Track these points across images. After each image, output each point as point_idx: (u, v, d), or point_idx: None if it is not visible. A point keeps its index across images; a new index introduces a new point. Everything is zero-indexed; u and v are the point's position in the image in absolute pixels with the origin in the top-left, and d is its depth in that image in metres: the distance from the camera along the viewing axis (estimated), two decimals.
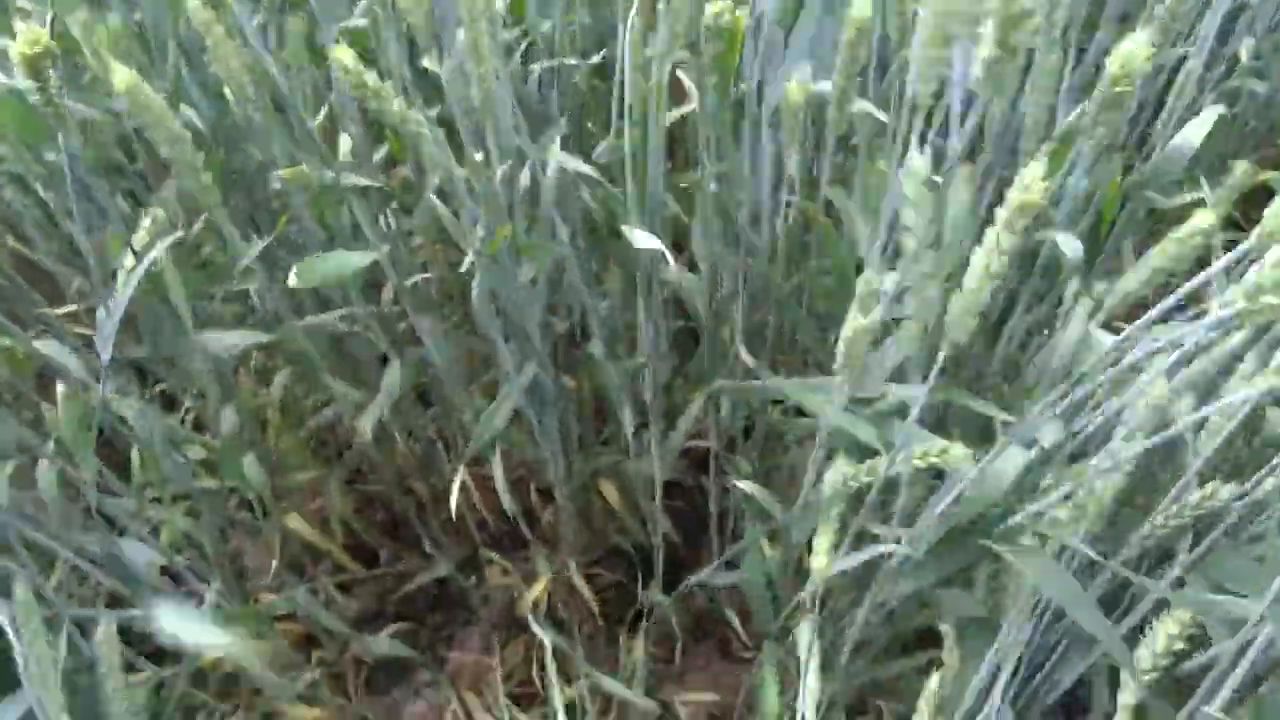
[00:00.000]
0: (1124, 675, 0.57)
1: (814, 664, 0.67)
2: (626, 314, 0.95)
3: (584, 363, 1.14)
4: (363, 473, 1.32)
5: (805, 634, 0.68)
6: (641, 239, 0.70)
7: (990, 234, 0.47)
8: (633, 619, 1.19)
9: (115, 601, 0.92)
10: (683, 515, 1.24)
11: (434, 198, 0.81)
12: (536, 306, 0.81)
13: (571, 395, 1.09)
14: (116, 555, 0.74)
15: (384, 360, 1.09)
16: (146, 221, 0.70)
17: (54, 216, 1.11)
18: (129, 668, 0.93)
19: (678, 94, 0.99)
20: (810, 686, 0.67)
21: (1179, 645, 0.57)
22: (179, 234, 0.68)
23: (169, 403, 1.28)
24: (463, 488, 1.05)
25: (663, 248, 0.69)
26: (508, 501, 0.93)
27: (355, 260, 0.75)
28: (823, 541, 0.65)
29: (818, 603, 0.69)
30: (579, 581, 1.11)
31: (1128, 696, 0.57)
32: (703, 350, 0.96)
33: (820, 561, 0.65)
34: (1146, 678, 0.57)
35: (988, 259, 0.47)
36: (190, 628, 0.57)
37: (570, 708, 1.08)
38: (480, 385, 1.08)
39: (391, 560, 1.27)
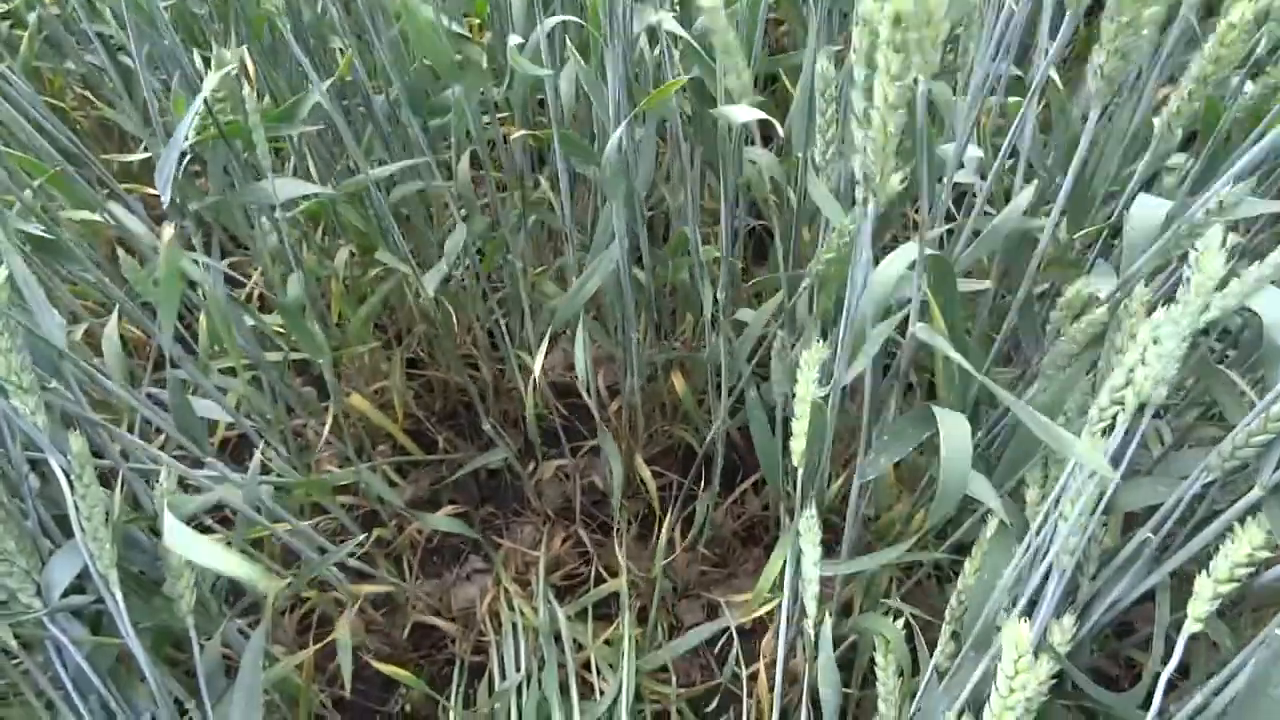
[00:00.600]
0: (1199, 584, 0.54)
1: (812, 549, 0.65)
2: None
3: (663, 259, 1.13)
4: (422, 361, 1.34)
5: (803, 520, 0.66)
6: (739, 112, 0.67)
7: None
8: (685, 519, 1.19)
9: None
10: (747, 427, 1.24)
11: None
12: (644, 167, 0.79)
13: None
14: (184, 410, 0.75)
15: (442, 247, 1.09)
16: (215, 58, 0.69)
17: (131, 80, 1.12)
18: (200, 530, 0.96)
19: None
20: (809, 575, 0.65)
21: (1262, 554, 0.54)
22: (238, 65, 0.66)
23: (234, 284, 1.30)
24: (519, 383, 1.05)
25: (762, 115, 0.67)
26: (584, 373, 0.92)
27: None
28: (799, 424, 0.63)
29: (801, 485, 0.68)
30: (644, 472, 1.10)
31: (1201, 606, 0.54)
32: (777, 244, 0.93)
33: (798, 444, 0.63)
34: (1223, 588, 0.55)
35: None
36: (204, 553, 0.56)
37: (612, 600, 1.09)
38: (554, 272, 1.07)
39: (448, 449, 1.29)
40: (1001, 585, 0.60)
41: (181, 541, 0.55)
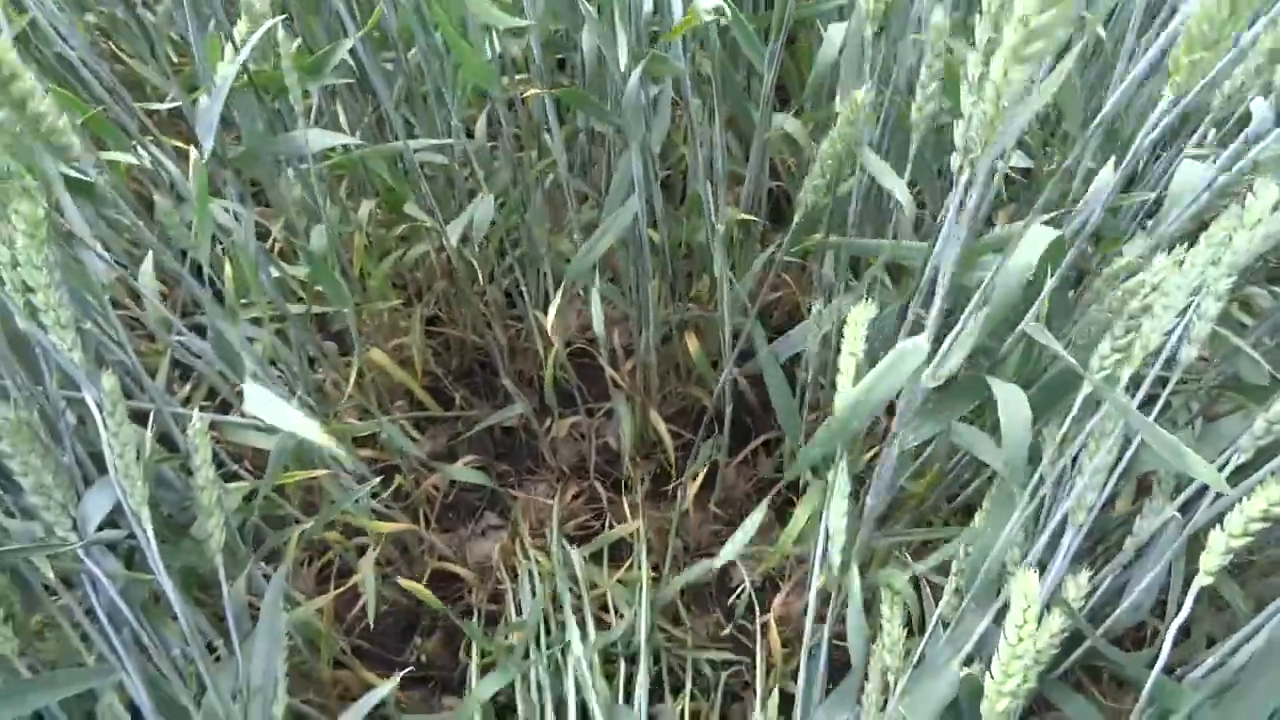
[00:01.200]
0: (1212, 538, 0.55)
1: (841, 501, 0.65)
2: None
3: (676, 222, 1.13)
4: (440, 320, 1.35)
5: (839, 475, 0.66)
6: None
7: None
8: (697, 478, 1.20)
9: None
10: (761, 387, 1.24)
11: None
12: (659, 122, 0.79)
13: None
14: (222, 337, 0.75)
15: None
16: (245, 7, 0.69)
17: (152, 35, 1.13)
18: (231, 477, 0.98)
19: None
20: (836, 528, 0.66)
21: (1278, 510, 0.55)
22: (282, 18, 0.67)
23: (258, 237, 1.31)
24: (534, 343, 1.05)
25: (724, 4, 0.67)
26: (600, 329, 0.93)
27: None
28: (845, 379, 0.62)
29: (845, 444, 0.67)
30: (661, 427, 1.12)
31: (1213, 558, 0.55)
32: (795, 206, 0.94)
33: (842, 400, 0.62)
34: (1236, 542, 0.56)
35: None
36: (275, 411, 0.58)
37: (625, 552, 1.11)
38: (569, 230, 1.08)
39: (465, 406, 1.31)
40: (1005, 537, 0.61)
41: (260, 403, 0.57)
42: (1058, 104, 0.79)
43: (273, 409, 0.61)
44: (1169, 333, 0.50)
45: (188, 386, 1.05)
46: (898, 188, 0.69)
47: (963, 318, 0.56)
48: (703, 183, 0.86)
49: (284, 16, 0.68)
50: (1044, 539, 0.64)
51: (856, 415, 0.56)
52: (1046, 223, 0.58)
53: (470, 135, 1.18)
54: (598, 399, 1.26)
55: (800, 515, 0.92)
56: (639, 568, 1.00)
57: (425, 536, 1.16)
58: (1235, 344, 0.62)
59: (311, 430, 0.62)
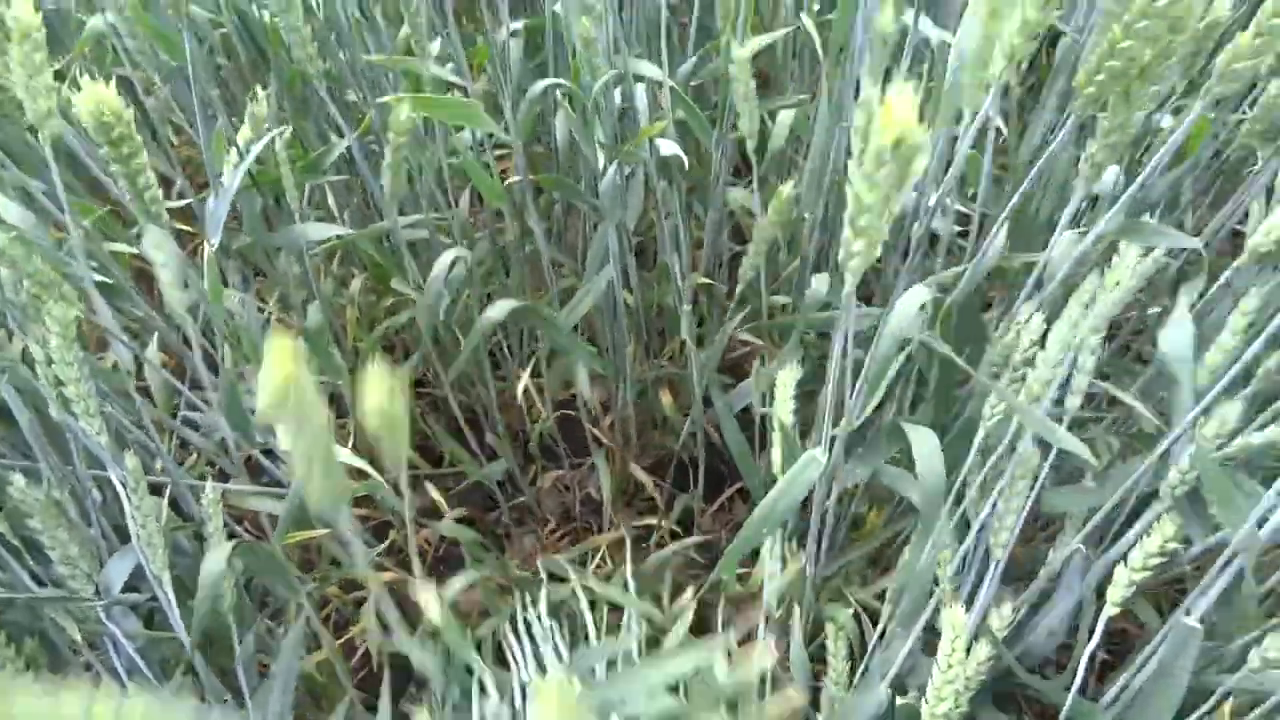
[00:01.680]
0: (1117, 573, 0.63)
1: (776, 551, 0.72)
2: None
3: (649, 285, 1.22)
4: (428, 380, 1.42)
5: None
6: (666, 146, 0.77)
7: None
8: (679, 525, 1.27)
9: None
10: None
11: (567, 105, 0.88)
12: (633, 202, 0.88)
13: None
14: (233, 404, 0.83)
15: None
16: (249, 115, 0.77)
17: (154, 124, 1.21)
18: (232, 537, 1.04)
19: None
20: (771, 572, 0.73)
21: (1171, 546, 0.62)
22: (283, 129, 0.75)
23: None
24: (517, 400, 1.13)
25: (680, 152, 0.76)
26: (586, 391, 1.00)
27: (478, 117, 0.83)
28: (778, 435, 0.70)
29: None
30: (641, 476, 1.19)
31: (1118, 591, 0.62)
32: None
33: (777, 456, 0.69)
34: (1138, 576, 0.63)
35: None
36: None
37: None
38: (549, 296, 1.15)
39: (453, 463, 1.37)
40: (923, 566, 0.67)
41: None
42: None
43: None
44: (1048, 383, 0.57)
45: (192, 457, 1.12)
46: (817, 280, 0.79)
47: (830, 373, 0.64)
48: (670, 254, 0.94)
49: (282, 126, 0.76)
50: (968, 569, 0.71)
51: (768, 523, 0.63)
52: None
53: (455, 204, 1.27)
54: (577, 453, 1.33)
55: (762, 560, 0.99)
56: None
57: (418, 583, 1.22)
58: (1121, 396, 0.70)
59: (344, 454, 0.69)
